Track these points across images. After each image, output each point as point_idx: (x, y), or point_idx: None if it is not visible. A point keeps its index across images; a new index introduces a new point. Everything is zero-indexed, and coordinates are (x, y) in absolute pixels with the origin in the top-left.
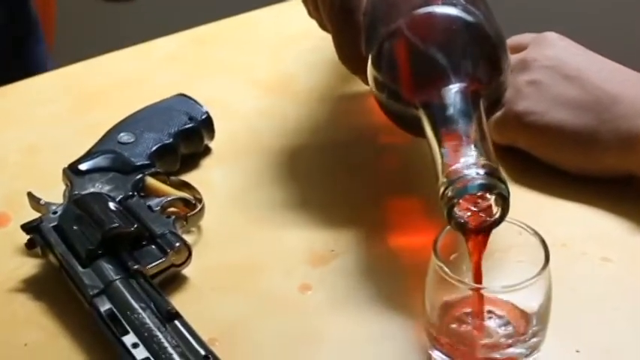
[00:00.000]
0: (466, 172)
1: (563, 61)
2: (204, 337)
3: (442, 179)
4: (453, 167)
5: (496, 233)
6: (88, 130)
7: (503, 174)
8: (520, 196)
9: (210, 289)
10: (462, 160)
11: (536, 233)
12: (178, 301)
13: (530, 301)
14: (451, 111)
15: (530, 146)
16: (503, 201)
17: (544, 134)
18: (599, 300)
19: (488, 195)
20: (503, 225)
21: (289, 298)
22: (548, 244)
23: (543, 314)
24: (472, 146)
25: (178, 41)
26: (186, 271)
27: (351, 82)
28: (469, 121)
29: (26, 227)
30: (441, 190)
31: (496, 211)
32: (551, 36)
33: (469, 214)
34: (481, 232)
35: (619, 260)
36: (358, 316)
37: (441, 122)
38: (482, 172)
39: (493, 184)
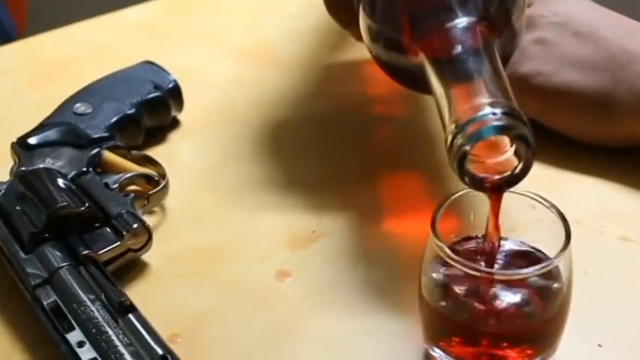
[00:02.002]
0: (479, 113)
1: (574, 16)
2: (165, 333)
3: (450, 127)
4: (463, 109)
5: (505, 207)
6: (47, 103)
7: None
8: None
9: (173, 277)
10: (474, 100)
11: (552, 206)
12: (136, 291)
13: (547, 286)
14: (459, 49)
15: (538, 112)
16: (527, 147)
17: (552, 98)
18: (619, 285)
19: (507, 140)
20: (512, 197)
21: (264, 287)
22: None
23: (562, 304)
24: (484, 84)
25: (152, 9)
26: (146, 257)
27: (337, 50)
28: (480, 59)
29: None
30: (449, 138)
31: (517, 163)
32: None
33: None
34: (500, 189)
35: None
36: (343, 307)
37: (447, 64)
38: (498, 111)
39: (512, 125)
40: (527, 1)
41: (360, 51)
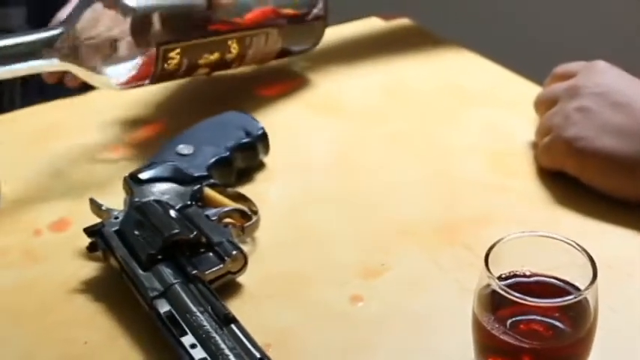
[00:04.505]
0: None
1: (613, 88)
2: (259, 343)
3: None
4: None
5: (544, 251)
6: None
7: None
8: (567, 219)
9: (265, 296)
10: None
11: (583, 250)
12: (234, 306)
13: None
14: None
15: (579, 171)
16: None
17: (592, 160)
18: None
19: None
20: (552, 242)
21: (340, 309)
22: None
23: (589, 329)
24: None
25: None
26: (241, 278)
27: (401, 102)
28: None
29: (89, 231)
30: None
31: None
32: (601, 64)
33: None
34: None
35: None
36: (407, 328)
37: None
38: None
39: None
40: (572, 72)
41: None
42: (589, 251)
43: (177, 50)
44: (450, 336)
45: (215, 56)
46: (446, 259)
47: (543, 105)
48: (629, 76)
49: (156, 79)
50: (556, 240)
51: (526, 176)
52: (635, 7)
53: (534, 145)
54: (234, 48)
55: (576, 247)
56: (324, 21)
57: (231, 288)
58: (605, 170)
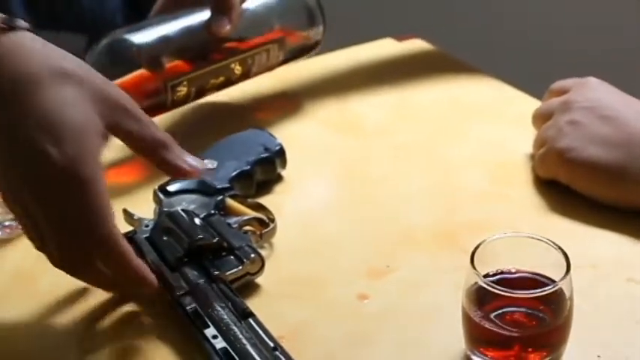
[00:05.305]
0: None
1: (602, 103)
2: (274, 334)
3: None
4: None
5: (527, 250)
6: None
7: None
8: (558, 224)
9: (280, 295)
10: None
11: (559, 248)
12: (253, 303)
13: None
14: None
15: (570, 180)
16: None
17: (581, 169)
18: (622, 313)
19: None
20: (534, 242)
21: (348, 305)
22: (580, 265)
23: (567, 315)
24: None
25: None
26: (259, 279)
27: (410, 118)
28: None
29: None
30: None
31: None
32: (593, 80)
33: None
34: None
35: None
36: (407, 323)
37: None
38: None
39: None
40: (566, 88)
41: None
42: (577, 252)
43: (184, 83)
44: (446, 330)
45: (220, 80)
46: (445, 261)
47: (540, 119)
48: (619, 91)
49: (168, 108)
50: (535, 240)
51: (523, 185)
52: None
53: (532, 157)
54: (237, 70)
55: (552, 245)
56: (322, 27)
57: (250, 288)
58: (593, 178)
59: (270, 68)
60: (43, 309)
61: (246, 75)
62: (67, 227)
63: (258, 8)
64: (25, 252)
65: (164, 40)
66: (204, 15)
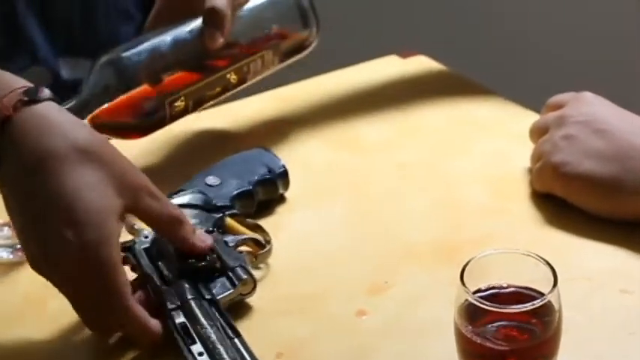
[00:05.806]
0: None
1: (596, 117)
2: (272, 352)
3: None
4: None
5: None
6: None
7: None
8: (554, 238)
9: (278, 312)
10: None
11: (547, 263)
12: (251, 319)
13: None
14: None
15: (565, 193)
16: None
17: (576, 182)
18: (615, 323)
19: None
20: (522, 258)
21: (347, 321)
22: (575, 277)
23: (556, 327)
24: None
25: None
26: (256, 296)
27: (413, 136)
28: None
29: (121, 247)
30: None
31: None
32: (588, 95)
33: None
34: None
35: (638, 291)
36: (405, 338)
37: None
38: None
39: None
40: (562, 103)
41: None
42: (573, 264)
43: (182, 98)
44: (444, 345)
45: (217, 90)
46: (444, 277)
47: (536, 133)
48: (613, 105)
49: (167, 124)
50: (524, 255)
51: (522, 199)
52: None
53: (530, 171)
54: (233, 79)
55: (541, 260)
56: (316, 28)
57: (249, 303)
58: (588, 191)
59: (265, 73)
60: (54, 331)
61: (242, 82)
62: (86, 305)
63: (253, 12)
64: (35, 275)
65: (159, 55)
66: (197, 24)
